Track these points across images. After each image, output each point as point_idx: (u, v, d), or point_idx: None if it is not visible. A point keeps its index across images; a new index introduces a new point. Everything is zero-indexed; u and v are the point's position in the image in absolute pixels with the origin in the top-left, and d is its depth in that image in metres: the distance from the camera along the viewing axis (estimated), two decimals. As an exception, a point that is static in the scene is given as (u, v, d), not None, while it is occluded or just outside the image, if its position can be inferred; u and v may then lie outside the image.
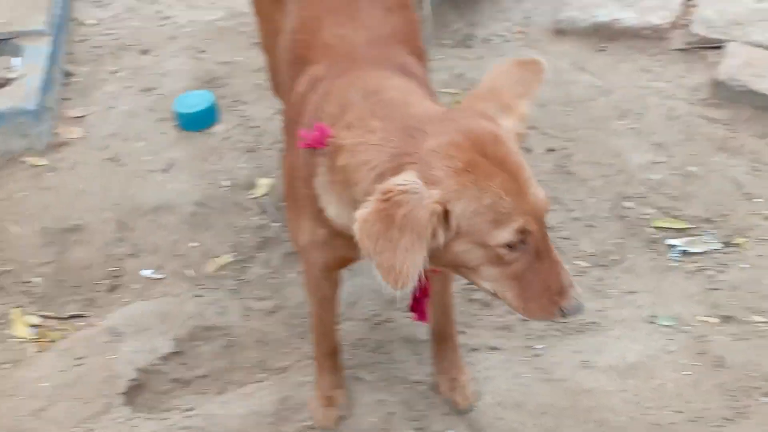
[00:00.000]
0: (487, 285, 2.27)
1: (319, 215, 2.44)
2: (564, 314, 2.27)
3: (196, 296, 3.54)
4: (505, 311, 3.42)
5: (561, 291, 2.24)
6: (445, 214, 2.12)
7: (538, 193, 2.19)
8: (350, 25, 2.62)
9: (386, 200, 2.07)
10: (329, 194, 2.33)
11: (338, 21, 2.64)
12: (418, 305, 2.73)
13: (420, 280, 2.30)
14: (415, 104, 2.32)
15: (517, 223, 2.14)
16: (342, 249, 2.56)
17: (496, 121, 2.23)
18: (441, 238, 2.13)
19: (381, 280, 2.10)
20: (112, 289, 3.60)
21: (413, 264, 2.08)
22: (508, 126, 2.24)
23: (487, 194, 2.12)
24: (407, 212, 2.06)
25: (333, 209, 2.34)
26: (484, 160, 2.13)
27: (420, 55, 2.76)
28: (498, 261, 2.19)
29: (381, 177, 2.16)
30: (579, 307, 2.27)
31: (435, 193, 2.09)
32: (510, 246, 2.16)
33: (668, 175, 3.88)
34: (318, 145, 2.29)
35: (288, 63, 2.77)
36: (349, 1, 2.68)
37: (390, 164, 2.16)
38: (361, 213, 2.09)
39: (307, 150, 2.35)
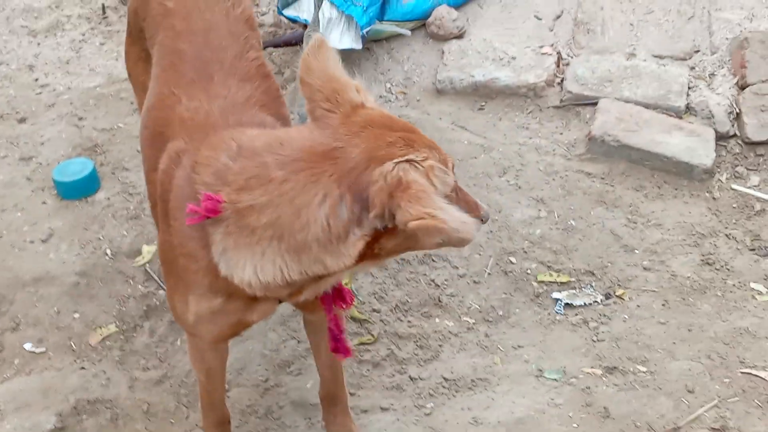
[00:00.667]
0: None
1: (216, 285, 2.41)
2: (484, 222, 2.47)
3: (80, 369, 3.46)
4: (395, 371, 3.44)
5: (475, 204, 2.44)
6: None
7: None
8: (204, 97, 2.64)
9: (406, 188, 2.14)
10: (241, 257, 2.29)
11: (193, 95, 2.66)
12: (339, 344, 2.73)
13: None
14: (290, 137, 2.33)
15: (451, 161, 2.33)
16: (237, 313, 2.53)
17: (365, 106, 2.32)
18: (448, 184, 2.26)
19: (466, 236, 2.17)
20: (-8, 365, 3.49)
21: (459, 212, 2.17)
22: (372, 101, 2.35)
23: (433, 151, 2.26)
24: (422, 181, 2.17)
25: (249, 270, 2.30)
26: (403, 132, 2.26)
27: (283, 122, 2.78)
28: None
29: (338, 204, 2.19)
30: (488, 211, 2.51)
31: (418, 155, 2.21)
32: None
33: (549, 229, 3.96)
34: (211, 214, 2.27)
35: (147, 141, 2.77)
36: (205, 76, 2.71)
37: (344, 187, 2.19)
38: (409, 214, 2.12)
39: (194, 224, 2.33)
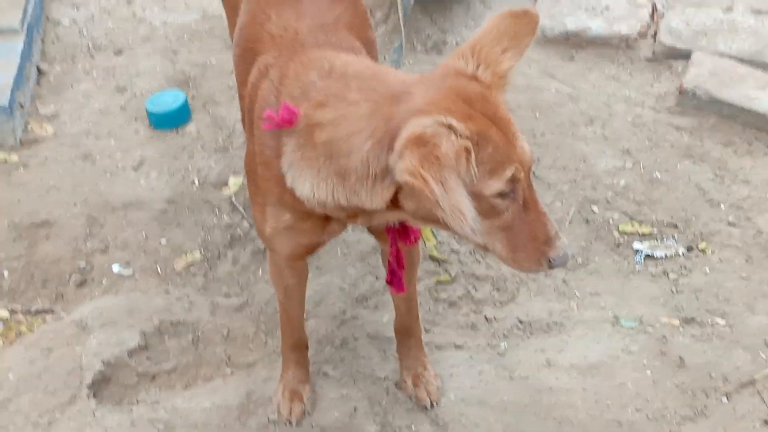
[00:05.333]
0: (477, 238, 2.27)
1: (284, 199, 2.47)
2: (551, 265, 2.30)
3: (165, 292, 3.56)
4: (470, 310, 3.47)
5: (548, 241, 2.27)
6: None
7: (525, 145, 2.25)
8: (294, 15, 2.67)
9: (424, 144, 2.07)
10: (303, 171, 2.34)
11: (283, 13, 2.69)
12: (394, 277, 2.74)
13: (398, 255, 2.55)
14: (385, 73, 2.36)
15: (510, 171, 2.19)
16: (307, 234, 2.60)
17: (475, 78, 2.26)
18: (472, 175, 2.14)
19: (452, 223, 2.09)
20: (81, 284, 3.61)
21: (465, 202, 2.09)
22: (487, 81, 2.26)
23: (488, 143, 2.16)
24: (446, 150, 2.07)
25: (308, 186, 2.35)
26: (477, 113, 2.18)
27: (370, 46, 2.80)
28: (490, 212, 2.22)
29: (380, 143, 2.18)
30: (566, 257, 2.30)
31: (465, 131, 2.11)
32: (502, 195, 2.21)
33: (634, 180, 3.93)
34: (286, 124, 2.32)
35: (239, 57, 2.83)
36: None
37: (387, 127, 2.18)
38: (406, 165, 2.07)
39: (270, 132, 2.38)
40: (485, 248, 2.32)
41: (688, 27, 4.44)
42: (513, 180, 2.20)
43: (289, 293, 2.97)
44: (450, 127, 2.10)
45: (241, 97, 2.82)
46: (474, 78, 2.26)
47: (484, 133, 2.16)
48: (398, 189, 2.23)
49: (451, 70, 2.28)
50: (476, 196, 2.16)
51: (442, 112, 2.13)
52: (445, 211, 2.07)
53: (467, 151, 2.11)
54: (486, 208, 2.20)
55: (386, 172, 2.20)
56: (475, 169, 2.13)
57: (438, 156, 2.06)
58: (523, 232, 2.26)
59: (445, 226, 2.25)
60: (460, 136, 2.10)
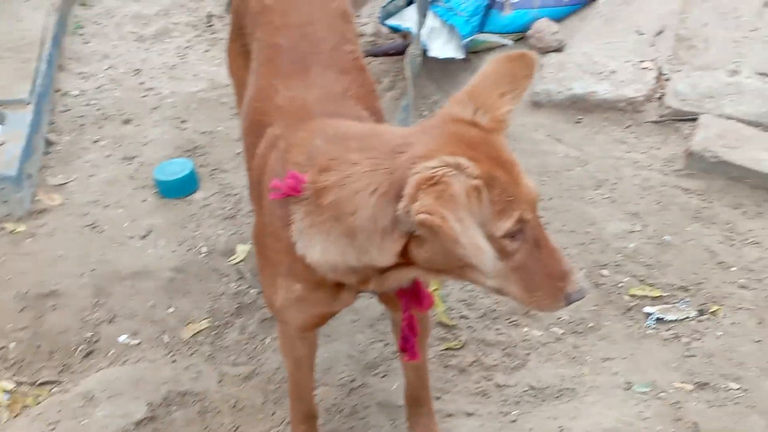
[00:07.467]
0: (491, 282, 2.25)
1: (295, 268, 2.45)
2: (569, 300, 2.27)
3: (172, 361, 3.53)
4: (481, 377, 3.43)
5: (563, 277, 2.24)
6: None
7: (530, 183, 2.23)
8: (302, 86, 2.68)
9: (436, 183, 2.06)
10: (312, 236, 2.33)
11: (290, 85, 2.70)
12: (407, 344, 2.69)
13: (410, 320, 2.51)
14: (383, 131, 2.37)
15: (518, 212, 2.17)
16: (319, 304, 2.57)
17: (474, 123, 2.24)
18: (483, 216, 2.12)
19: (474, 260, 2.07)
20: (88, 354, 3.58)
21: (482, 239, 2.07)
22: (486, 126, 2.24)
23: (495, 184, 2.14)
24: (458, 189, 2.06)
25: (318, 250, 2.33)
26: (480, 155, 2.16)
27: (377, 115, 2.80)
28: (502, 253, 2.19)
29: (385, 196, 2.17)
30: (582, 290, 2.27)
31: (474, 171, 2.09)
32: (512, 235, 2.18)
33: (643, 243, 3.91)
34: (293, 192, 2.31)
35: (247, 130, 2.84)
36: (302, 68, 2.75)
37: (391, 179, 2.17)
38: (423, 205, 2.05)
39: (278, 201, 2.37)
40: (500, 292, 2.29)
41: (694, 90, 4.45)
42: (521, 220, 2.18)
43: (299, 364, 2.94)
44: (458, 167, 2.09)
45: (250, 170, 2.81)
46: (473, 123, 2.24)
47: (491, 174, 2.14)
48: (408, 241, 2.20)
49: (449, 117, 2.27)
50: (487, 238, 2.13)
51: (448, 154, 2.12)
52: (465, 248, 2.04)
53: (478, 190, 2.10)
54: (497, 250, 2.16)
55: (394, 224, 2.18)
56: (486, 209, 2.13)
57: (452, 194, 2.05)
58: (537, 271, 2.23)
59: (460, 275, 2.26)
60: (470, 176, 2.09)
